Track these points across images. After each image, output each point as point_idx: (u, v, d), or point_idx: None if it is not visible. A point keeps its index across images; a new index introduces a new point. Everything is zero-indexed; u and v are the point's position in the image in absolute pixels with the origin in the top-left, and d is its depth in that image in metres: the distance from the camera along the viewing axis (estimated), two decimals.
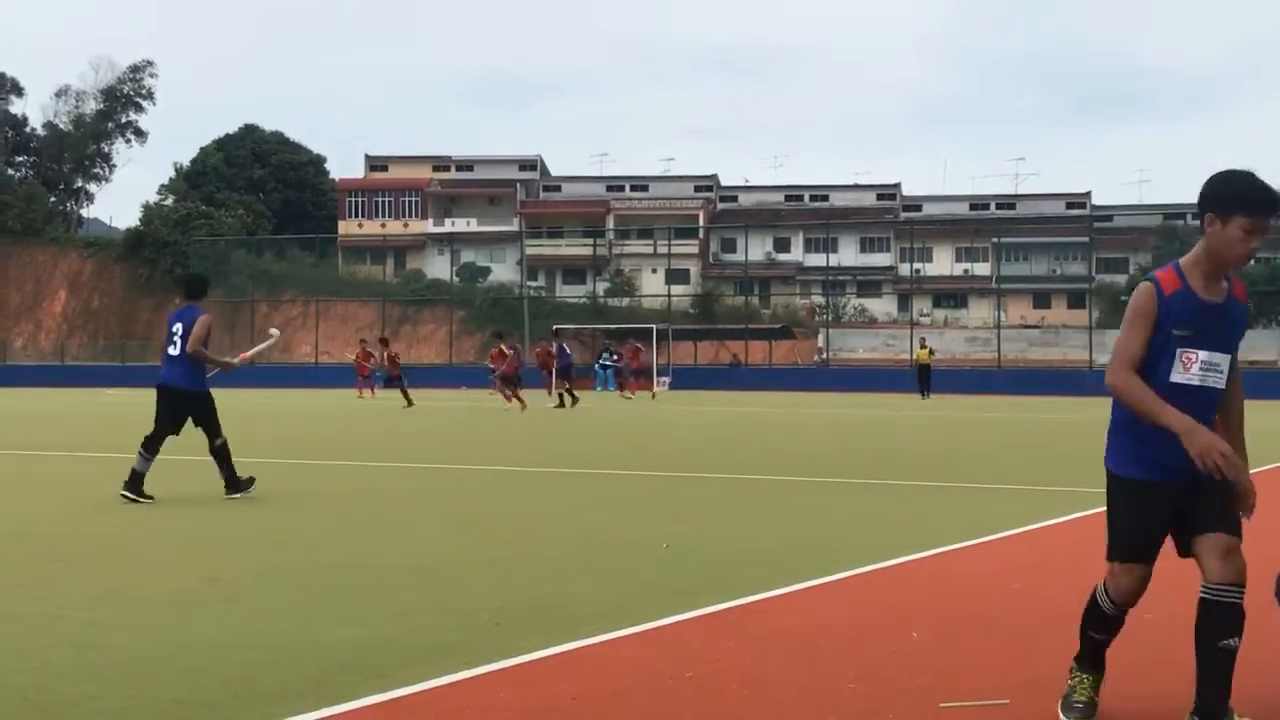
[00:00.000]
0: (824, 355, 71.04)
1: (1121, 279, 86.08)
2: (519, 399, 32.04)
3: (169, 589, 7.37)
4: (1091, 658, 4.86)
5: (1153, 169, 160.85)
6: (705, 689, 5.20)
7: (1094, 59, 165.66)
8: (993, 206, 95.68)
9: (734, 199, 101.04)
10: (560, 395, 36.94)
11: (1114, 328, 72.93)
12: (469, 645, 5.90)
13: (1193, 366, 4.44)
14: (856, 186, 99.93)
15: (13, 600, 7.05)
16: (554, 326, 45.25)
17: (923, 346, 49.26)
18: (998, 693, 5.14)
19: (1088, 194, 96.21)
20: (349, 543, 9.34)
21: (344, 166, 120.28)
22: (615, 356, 53.07)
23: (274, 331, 16.88)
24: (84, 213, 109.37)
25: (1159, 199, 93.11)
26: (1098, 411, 30.11)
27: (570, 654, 5.80)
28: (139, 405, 35.09)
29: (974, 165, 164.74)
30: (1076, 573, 8.29)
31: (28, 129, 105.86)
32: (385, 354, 39.76)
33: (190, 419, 12.47)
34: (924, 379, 46.89)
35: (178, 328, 12.60)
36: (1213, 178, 4.43)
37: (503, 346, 33.56)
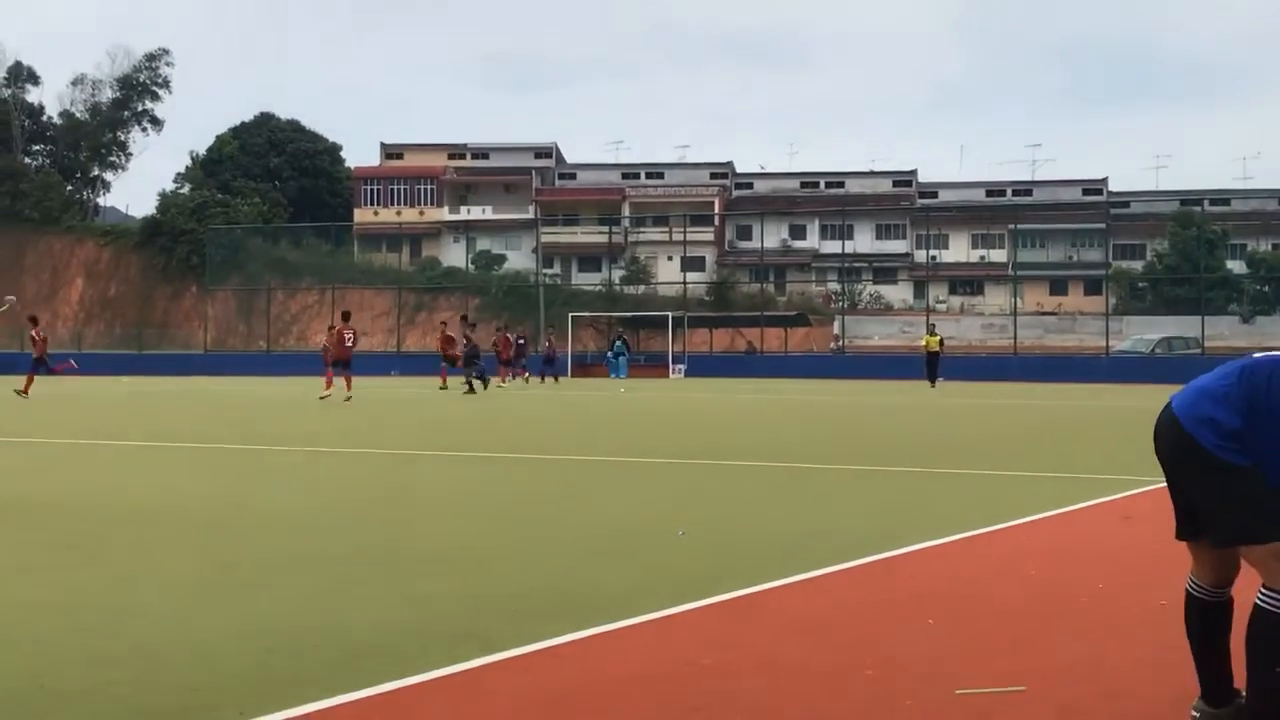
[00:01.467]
0: (840, 342, 70.93)
1: (1138, 265, 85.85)
2: (332, 384, 31.10)
3: (185, 575, 7.39)
4: None
5: (1170, 155, 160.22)
6: (723, 675, 5.21)
7: (1111, 44, 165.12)
8: (1009, 193, 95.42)
9: (749, 186, 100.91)
10: (469, 382, 36.63)
11: (1130, 314, 73.18)
12: (487, 631, 5.91)
13: None
14: (872, 173, 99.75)
15: (27, 587, 7.07)
16: (462, 314, 44.81)
17: (932, 333, 46.93)
18: (1014, 679, 5.13)
19: (1104, 180, 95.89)
20: (365, 529, 9.36)
21: (359, 154, 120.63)
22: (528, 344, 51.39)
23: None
24: (100, 201, 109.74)
25: (1176, 185, 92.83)
26: (1114, 398, 29.99)
27: (588, 640, 5.80)
28: (155, 394, 35.19)
29: (990, 152, 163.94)
30: (1094, 560, 8.28)
31: (44, 117, 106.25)
32: (32, 333, 36.03)
33: None
34: (932, 366, 44.62)
35: None
36: None
37: (342, 330, 32.24)
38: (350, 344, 31.95)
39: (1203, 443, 4.35)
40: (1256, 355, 4.49)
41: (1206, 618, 4.55)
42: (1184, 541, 4.57)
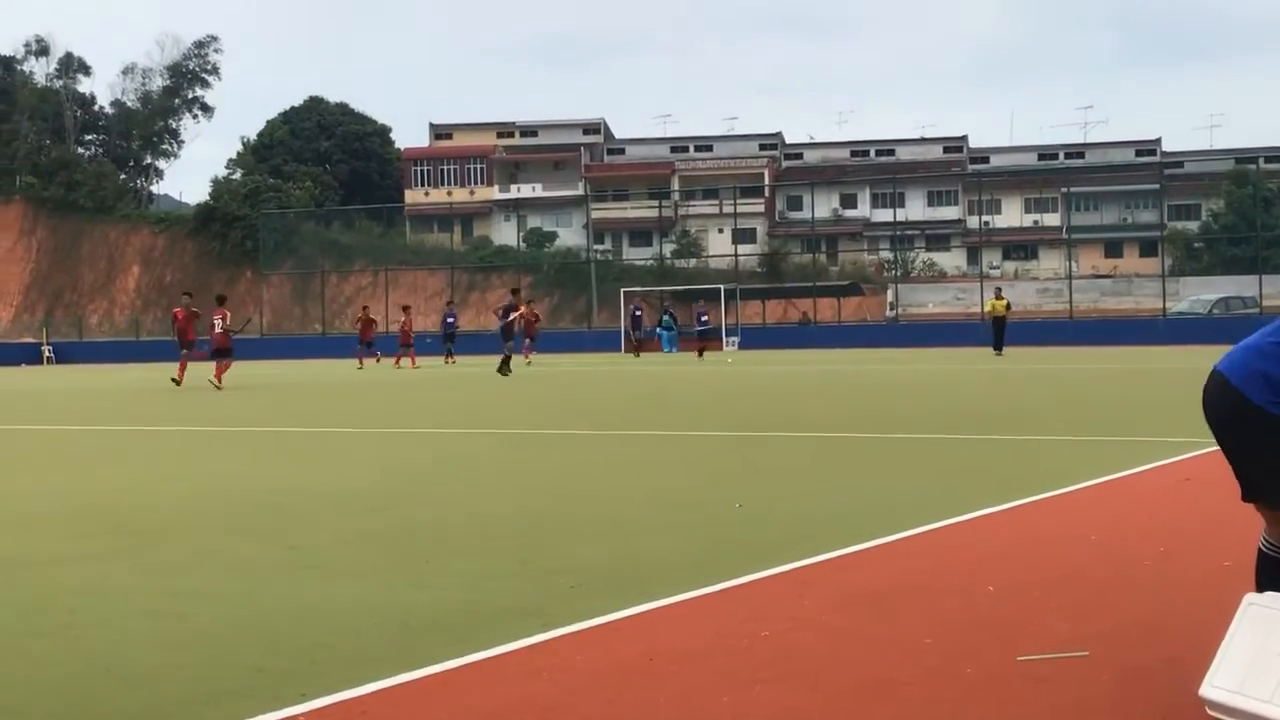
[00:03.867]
0: (894, 311, 70.58)
1: (1194, 226, 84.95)
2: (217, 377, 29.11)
3: (248, 557, 7.45)
4: None
5: (1224, 113, 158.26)
6: (782, 647, 5.20)
7: (1161, 1, 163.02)
8: (1061, 156, 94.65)
9: (799, 156, 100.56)
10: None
11: (1187, 275, 72.45)
12: (545, 607, 5.92)
13: None
14: (923, 140, 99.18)
15: (93, 572, 7.14)
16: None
17: (998, 297, 45.27)
18: (1076, 644, 5.10)
19: (1158, 140, 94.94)
20: (423, 508, 9.41)
21: (409, 136, 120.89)
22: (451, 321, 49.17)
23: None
24: (154, 189, 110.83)
25: (1231, 143, 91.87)
26: (1172, 360, 29.65)
27: (646, 614, 5.80)
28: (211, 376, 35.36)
29: (1041, 115, 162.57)
30: (1155, 523, 8.22)
31: (96, 107, 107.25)
32: None
33: None
34: (999, 332, 43.36)
35: None
36: None
37: (212, 313, 30.94)
38: (220, 329, 30.32)
39: (1254, 399, 4.24)
40: None
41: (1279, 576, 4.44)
42: (1250, 503, 4.50)
